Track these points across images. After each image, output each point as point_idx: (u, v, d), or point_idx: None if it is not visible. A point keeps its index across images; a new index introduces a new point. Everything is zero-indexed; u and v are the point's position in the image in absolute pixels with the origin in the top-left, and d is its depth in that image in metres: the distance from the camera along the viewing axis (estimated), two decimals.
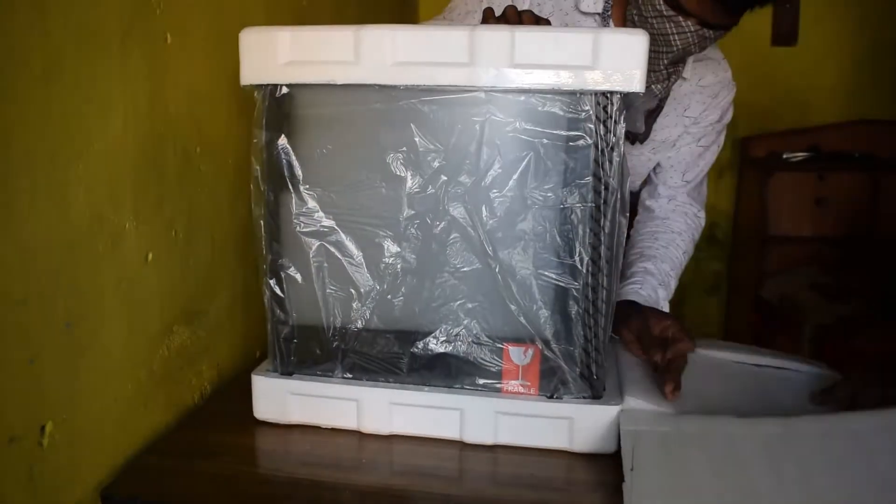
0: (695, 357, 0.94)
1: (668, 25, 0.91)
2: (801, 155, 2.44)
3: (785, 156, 2.45)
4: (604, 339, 0.80)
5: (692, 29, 0.91)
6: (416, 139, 0.79)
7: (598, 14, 1.05)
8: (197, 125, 0.96)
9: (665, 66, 0.98)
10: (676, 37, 0.92)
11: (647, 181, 1.24)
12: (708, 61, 1.16)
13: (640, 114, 0.86)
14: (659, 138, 1.14)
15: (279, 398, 0.90)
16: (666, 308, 1.11)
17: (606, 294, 0.78)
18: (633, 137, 1.14)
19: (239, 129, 1.05)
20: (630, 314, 1.00)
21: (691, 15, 0.90)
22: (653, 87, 1.02)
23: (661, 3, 0.90)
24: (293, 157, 0.85)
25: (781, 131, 2.59)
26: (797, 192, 2.38)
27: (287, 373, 0.91)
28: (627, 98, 0.75)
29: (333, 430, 0.89)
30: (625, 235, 0.90)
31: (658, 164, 1.20)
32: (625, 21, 1.03)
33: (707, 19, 0.91)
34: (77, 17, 0.72)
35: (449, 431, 0.84)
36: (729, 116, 1.19)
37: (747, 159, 2.63)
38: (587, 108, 0.73)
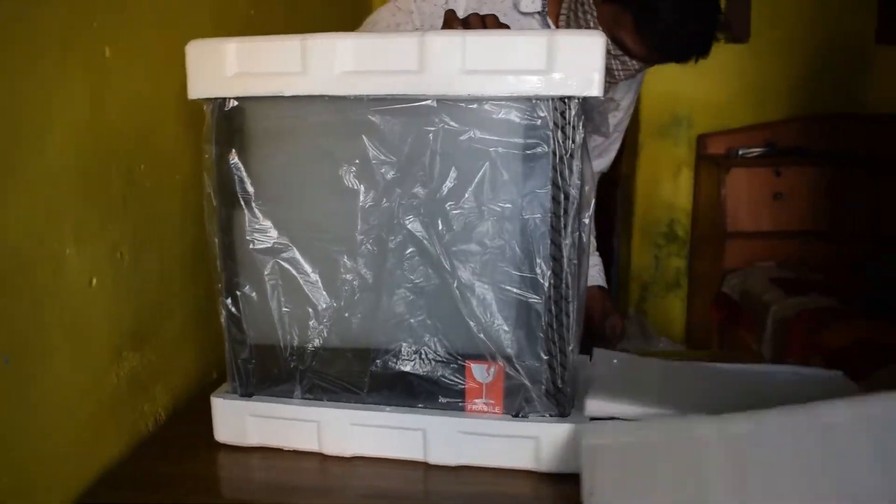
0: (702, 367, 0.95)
1: (613, 62, 0.94)
2: (757, 150, 2.47)
3: (741, 152, 2.48)
4: (571, 354, 0.77)
5: (636, 67, 0.94)
6: (369, 151, 0.76)
7: (538, 13, 1.05)
8: (142, 141, 0.92)
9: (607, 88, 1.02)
10: (621, 72, 0.96)
11: None
12: None
13: (606, 117, 0.85)
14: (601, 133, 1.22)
15: (239, 420, 0.87)
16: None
17: (572, 307, 0.76)
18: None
19: (188, 145, 1.01)
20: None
21: (636, 56, 0.93)
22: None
23: (609, 42, 0.91)
24: (244, 173, 0.82)
25: (738, 128, 2.63)
26: (755, 187, 2.42)
27: (247, 394, 0.88)
28: (588, 102, 0.74)
29: (295, 452, 0.86)
30: (589, 244, 0.90)
31: None
32: (557, 20, 1.03)
33: (650, 61, 0.94)
34: (7, 29, 0.68)
35: (412, 452, 0.82)
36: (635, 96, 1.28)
37: (705, 156, 2.66)
38: (543, 114, 0.71)
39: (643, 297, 2.94)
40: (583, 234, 0.76)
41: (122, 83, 0.87)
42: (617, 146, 1.31)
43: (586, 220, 0.77)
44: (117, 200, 0.87)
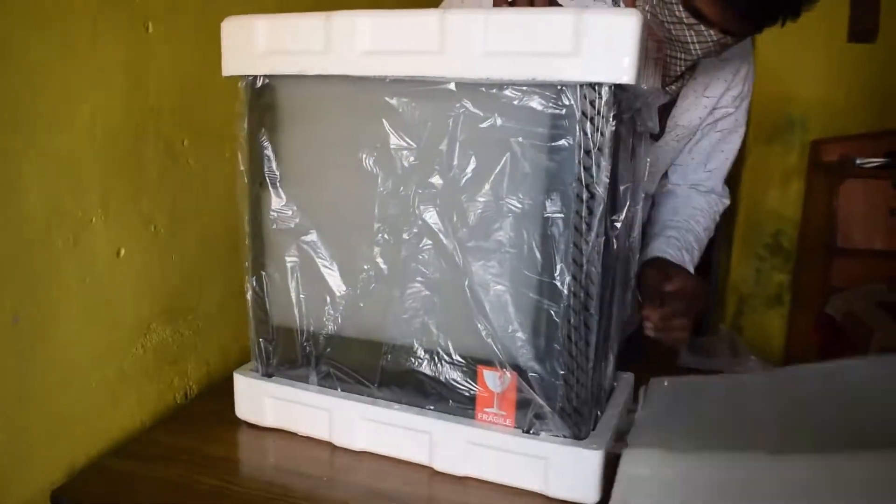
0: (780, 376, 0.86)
1: (688, 34, 0.82)
2: (876, 161, 2.23)
3: (858, 161, 2.24)
4: (591, 371, 0.70)
5: (714, 38, 0.82)
6: (389, 136, 0.73)
7: None
8: (185, 118, 0.92)
9: (682, 70, 0.89)
10: (697, 46, 0.83)
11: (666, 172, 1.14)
12: None
13: (654, 111, 0.76)
14: (682, 123, 1.05)
15: (258, 400, 0.87)
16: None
17: (595, 319, 0.69)
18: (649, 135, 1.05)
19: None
20: (649, 264, 0.96)
21: (713, 24, 0.81)
22: (667, 88, 0.92)
23: (681, 10, 0.81)
24: (272, 152, 0.81)
25: (856, 135, 2.39)
26: (870, 201, 2.18)
27: (267, 374, 0.87)
28: (627, 92, 0.67)
29: (309, 438, 0.85)
30: (636, 248, 0.82)
31: (676, 161, 1.11)
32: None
33: (730, 29, 0.81)
34: (34, 4, 0.69)
35: (418, 456, 0.78)
36: (748, 88, 1.07)
37: (817, 164, 2.44)
38: (569, 102, 0.65)
39: (740, 311, 2.75)
40: (613, 239, 0.69)
41: (165, 60, 0.88)
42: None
43: (618, 224, 0.69)
44: (153, 174, 0.88)
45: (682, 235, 1.06)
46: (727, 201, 1.16)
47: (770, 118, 2.58)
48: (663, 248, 1.02)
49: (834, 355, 2.11)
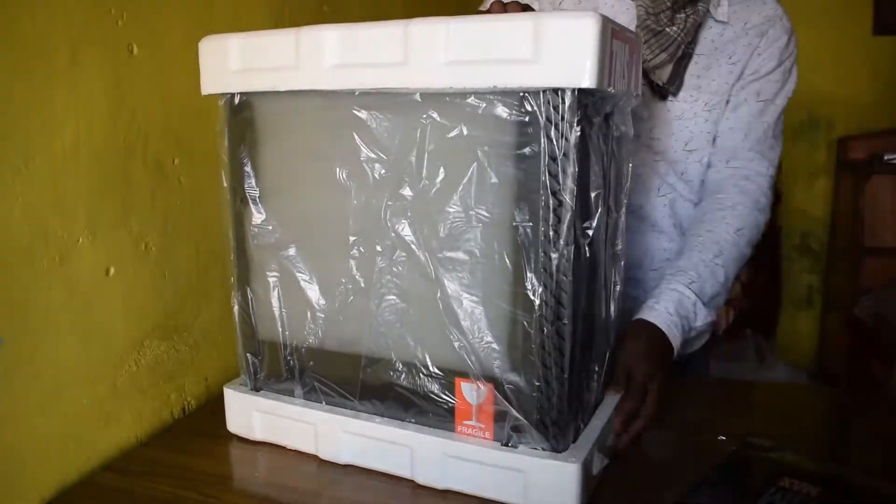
0: None
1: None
2: None
3: (886, 157, 2.18)
4: (568, 382, 0.69)
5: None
6: (359, 149, 0.73)
7: None
8: (175, 137, 0.94)
9: (671, 3, 0.87)
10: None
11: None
12: (749, 1, 1.02)
13: (627, 115, 0.74)
14: (710, 90, 1.01)
15: (247, 414, 0.88)
16: (696, 314, 0.92)
17: (567, 329, 0.67)
18: (665, 92, 1.01)
19: None
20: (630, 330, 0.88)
21: None
22: (667, 30, 0.90)
23: None
24: (250, 168, 0.82)
25: (883, 130, 2.32)
26: None
27: (255, 388, 0.88)
28: (594, 96, 0.65)
29: (297, 452, 0.85)
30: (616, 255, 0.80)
31: (715, 137, 1.04)
32: None
33: None
34: (11, 35, 0.71)
35: (400, 469, 0.77)
36: (791, 60, 1.02)
37: (844, 162, 2.38)
38: (532, 108, 0.64)
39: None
40: (585, 247, 0.68)
41: (151, 80, 0.89)
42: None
43: (590, 231, 0.68)
44: (143, 194, 0.89)
45: (695, 267, 0.94)
46: (773, 172, 1.04)
47: (795, 116, 2.52)
48: (658, 305, 0.91)
49: (864, 360, 2.06)
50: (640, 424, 0.82)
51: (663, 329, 0.89)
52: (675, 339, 0.90)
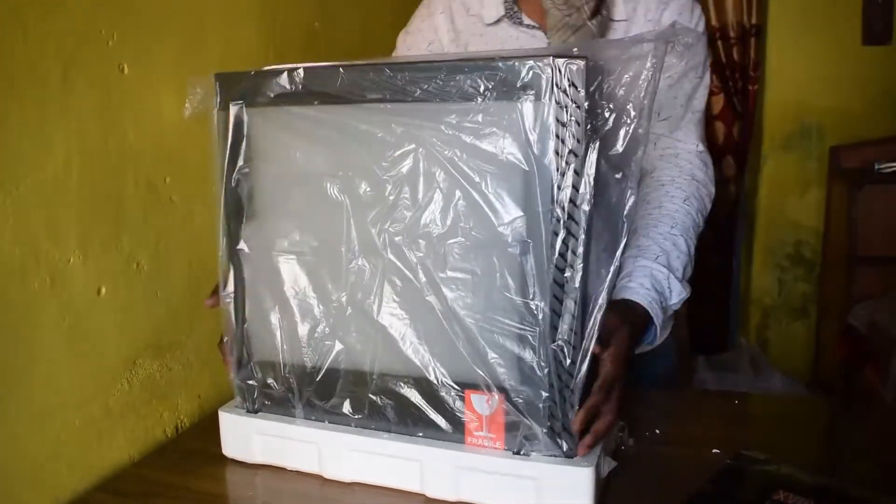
0: None
1: None
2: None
3: (878, 166, 2.19)
4: (578, 390, 0.69)
5: None
6: (356, 165, 0.73)
7: (504, 17, 1.01)
8: (167, 155, 0.94)
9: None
10: None
11: None
12: None
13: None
14: None
15: (245, 437, 0.86)
16: (671, 289, 0.88)
17: (577, 338, 0.68)
18: None
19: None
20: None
21: None
22: (590, 24, 0.94)
23: None
24: (245, 184, 0.82)
25: (875, 140, 2.33)
26: (891, 206, 2.13)
27: (252, 410, 0.87)
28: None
29: (298, 472, 0.84)
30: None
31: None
32: None
33: None
34: (3, 55, 0.72)
35: (409, 484, 0.77)
36: (692, 21, 1.02)
37: (837, 171, 2.39)
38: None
39: (765, 324, 2.69)
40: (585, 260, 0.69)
41: (143, 100, 0.89)
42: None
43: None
44: (135, 213, 0.89)
45: (656, 241, 0.91)
46: (703, 148, 1.04)
47: (786, 126, 2.54)
48: (631, 283, 0.86)
49: (859, 369, 2.06)
50: (602, 424, 0.74)
51: (644, 305, 0.84)
52: (658, 318, 0.84)
